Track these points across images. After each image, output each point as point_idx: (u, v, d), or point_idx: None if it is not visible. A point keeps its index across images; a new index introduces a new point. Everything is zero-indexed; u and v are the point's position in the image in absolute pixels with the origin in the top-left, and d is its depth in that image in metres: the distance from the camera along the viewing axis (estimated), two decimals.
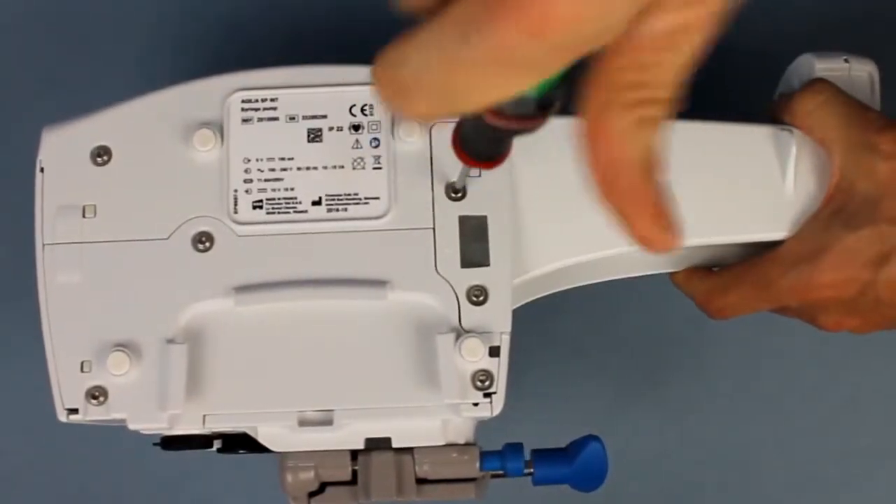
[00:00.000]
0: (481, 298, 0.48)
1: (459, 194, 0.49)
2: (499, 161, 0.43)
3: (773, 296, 0.51)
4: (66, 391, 0.47)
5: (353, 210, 0.49)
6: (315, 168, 0.49)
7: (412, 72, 0.31)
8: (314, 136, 0.50)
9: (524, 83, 0.30)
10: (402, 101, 0.32)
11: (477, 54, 0.29)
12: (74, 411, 0.47)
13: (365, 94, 0.50)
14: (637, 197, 0.33)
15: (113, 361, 0.47)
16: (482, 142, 0.42)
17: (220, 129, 0.50)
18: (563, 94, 0.34)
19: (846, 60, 0.55)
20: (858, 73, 0.55)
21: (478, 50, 0.29)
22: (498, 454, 0.49)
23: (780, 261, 0.51)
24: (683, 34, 0.31)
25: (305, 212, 0.49)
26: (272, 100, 0.50)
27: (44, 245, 0.49)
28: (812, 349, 0.66)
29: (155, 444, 0.49)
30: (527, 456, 0.49)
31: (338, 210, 0.49)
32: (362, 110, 0.50)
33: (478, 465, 0.48)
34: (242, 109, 0.50)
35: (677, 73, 0.32)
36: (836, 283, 0.50)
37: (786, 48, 0.57)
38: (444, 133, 0.49)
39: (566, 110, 0.34)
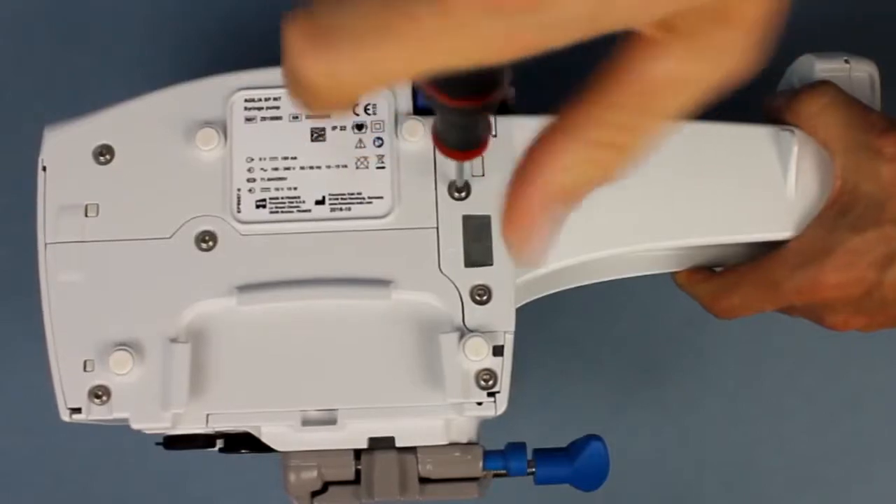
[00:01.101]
0: (485, 298, 0.48)
1: (463, 193, 0.49)
2: (474, 151, 0.43)
3: (779, 296, 0.51)
4: (69, 390, 0.47)
5: (356, 209, 0.49)
6: (318, 167, 0.49)
7: (342, 19, 0.27)
8: (317, 135, 0.50)
9: (461, 57, 0.28)
10: (318, 50, 0.27)
11: (423, 12, 0.26)
12: (77, 411, 0.47)
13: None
14: (535, 215, 0.31)
15: (115, 361, 0.47)
16: (451, 129, 0.41)
17: (223, 128, 0.49)
18: (498, 82, 0.33)
19: (846, 61, 0.55)
20: (859, 73, 0.55)
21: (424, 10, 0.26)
22: (501, 454, 0.49)
23: (786, 262, 0.51)
24: (679, 88, 0.29)
25: (309, 211, 0.49)
26: (275, 99, 0.50)
27: (46, 244, 0.49)
28: (812, 349, 0.66)
29: (157, 444, 0.49)
30: (528, 455, 0.49)
31: (341, 209, 0.49)
32: (365, 109, 0.50)
33: (481, 464, 0.48)
34: (245, 108, 0.50)
35: (656, 128, 0.29)
36: (842, 284, 0.50)
37: (786, 48, 0.57)
38: None
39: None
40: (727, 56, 0.28)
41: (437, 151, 0.49)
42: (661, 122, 0.29)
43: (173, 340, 0.47)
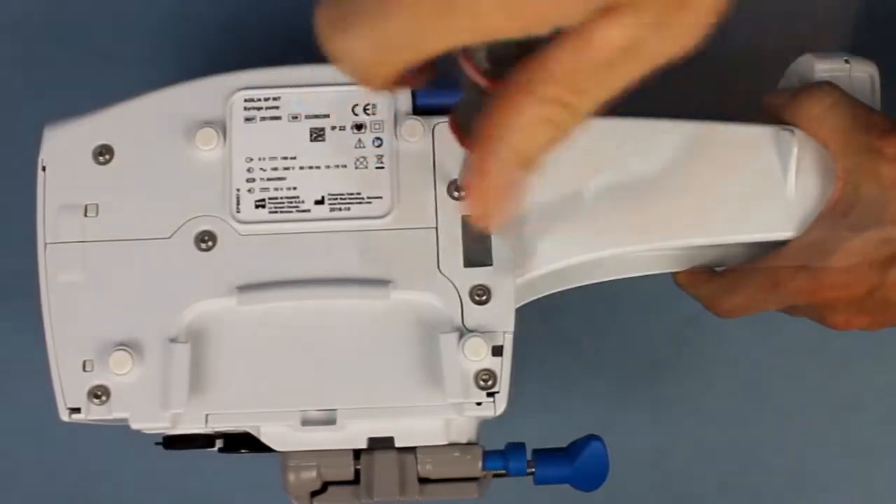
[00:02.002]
0: (484, 298, 0.48)
1: (462, 193, 0.49)
2: None
3: (782, 296, 0.51)
4: (68, 390, 0.47)
5: (355, 209, 0.49)
6: (318, 167, 0.49)
7: (350, 5, 0.31)
8: (317, 135, 0.50)
9: (459, 37, 0.30)
10: (337, 34, 0.31)
11: None
12: (76, 410, 0.47)
13: (368, 94, 0.50)
14: (496, 178, 0.33)
15: (115, 361, 0.47)
16: (473, 113, 0.41)
17: (222, 127, 0.50)
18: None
19: (846, 61, 0.55)
20: (859, 73, 0.55)
21: None
22: (500, 454, 0.49)
23: (788, 262, 0.51)
24: (633, 55, 0.30)
25: (308, 211, 0.49)
26: (275, 99, 0.50)
27: (45, 244, 0.49)
28: (812, 348, 0.66)
29: (157, 444, 0.49)
30: (528, 455, 0.49)
31: (340, 209, 0.49)
32: (365, 110, 0.50)
33: (480, 464, 0.48)
34: (245, 108, 0.50)
35: (607, 92, 0.31)
36: (844, 285, 0.50)
37: (786, 48, 0.58)
38: (447, 132, 0.49)
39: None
40: (678, 35, 0.30)
41: (436, 151, 0.49)
42: (608, 87, 0.31)
43: (173, 340, 0.47)
